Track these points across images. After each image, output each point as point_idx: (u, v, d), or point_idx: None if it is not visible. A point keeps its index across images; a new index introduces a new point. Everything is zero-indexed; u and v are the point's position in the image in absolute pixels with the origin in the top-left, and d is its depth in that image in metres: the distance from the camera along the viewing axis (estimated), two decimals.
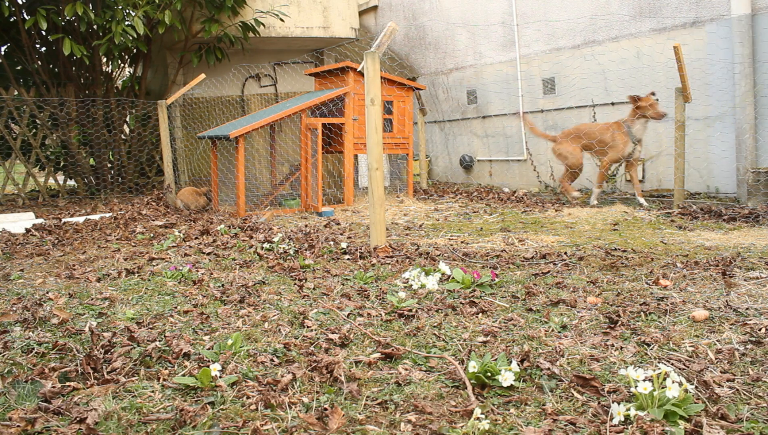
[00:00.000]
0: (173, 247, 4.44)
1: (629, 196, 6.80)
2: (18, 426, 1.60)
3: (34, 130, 8.35)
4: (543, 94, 8.06)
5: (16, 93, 7.98)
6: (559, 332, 2.34)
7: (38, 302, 2.88)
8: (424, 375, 1.96)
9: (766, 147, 5.93)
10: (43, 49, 8.61)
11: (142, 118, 8.73)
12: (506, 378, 1.82)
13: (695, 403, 1.66)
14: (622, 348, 2.14)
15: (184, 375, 1.96)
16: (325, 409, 1.70)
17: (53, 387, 1.84)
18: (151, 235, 5.01)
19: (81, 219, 5.90)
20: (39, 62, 8.20)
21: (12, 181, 7.98)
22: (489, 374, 1.84)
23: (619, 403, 1.63)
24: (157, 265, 3.79)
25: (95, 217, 6.03)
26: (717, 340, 2.18)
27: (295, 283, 3.21)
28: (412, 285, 3.07)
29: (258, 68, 9.72)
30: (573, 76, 7.63)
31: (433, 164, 10.00)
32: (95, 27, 7.84)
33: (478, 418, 1.59)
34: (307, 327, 2.46)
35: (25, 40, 7.84)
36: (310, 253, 4.03)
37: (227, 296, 2.96)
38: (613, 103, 7.23)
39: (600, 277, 3.18)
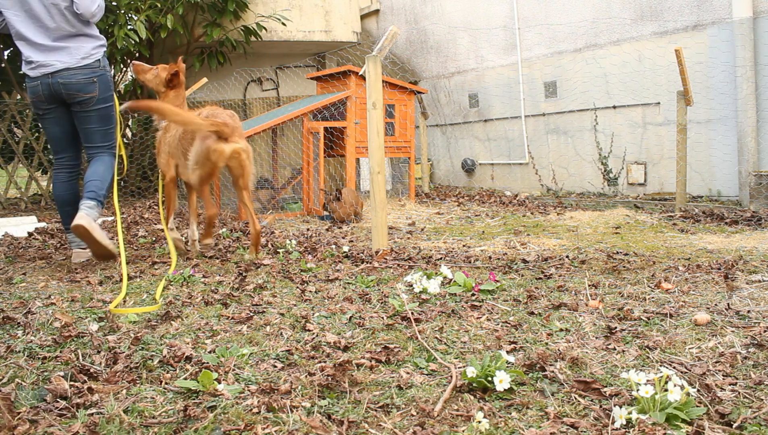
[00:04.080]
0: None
1: (631, 199, 6.80)
2: (21, 428, 1.60)
3: (37, 134, 8.37)
4: (545, 98, 8.06)
5: (19, 97, 8.01)
6: (561, 335, 2.34)
7: (40, 306, 2.88)
8: (426, 378, 1.96)
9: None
10: None
11: (144, 122, 8.75)
12: (508, 381, 1.82)
13: (697, 406, 1.66)
14: (623, 351, 2.14)
15: (185, 378, 1.97)
16: (327, 412, 1.70)
17: (55, 390, 1.84)
18: (153, 238, 5.02)
19: None
20: None
21: (15, 184, 8.00)
22: (490, 378, 1.84)
23: (620, 407, 1.63)
24: (158, 268, 3.80)
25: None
26: (719, 344, 2.18)
27: (296, 287, 3.22)
28: (413, 288, 3.07)
29: (260, 72, 9.75)
30: (575, 80, 7.64)
31: (435, 168, 10.01)
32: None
33: (479, 422, 1.59)
34: (309, 331, 2.46)
35: None
36: (312, 256, 4.03)
37: (229, 300, 2.96)
38: (614, 107, 7.24)
39: (602, 280, 3.18)
